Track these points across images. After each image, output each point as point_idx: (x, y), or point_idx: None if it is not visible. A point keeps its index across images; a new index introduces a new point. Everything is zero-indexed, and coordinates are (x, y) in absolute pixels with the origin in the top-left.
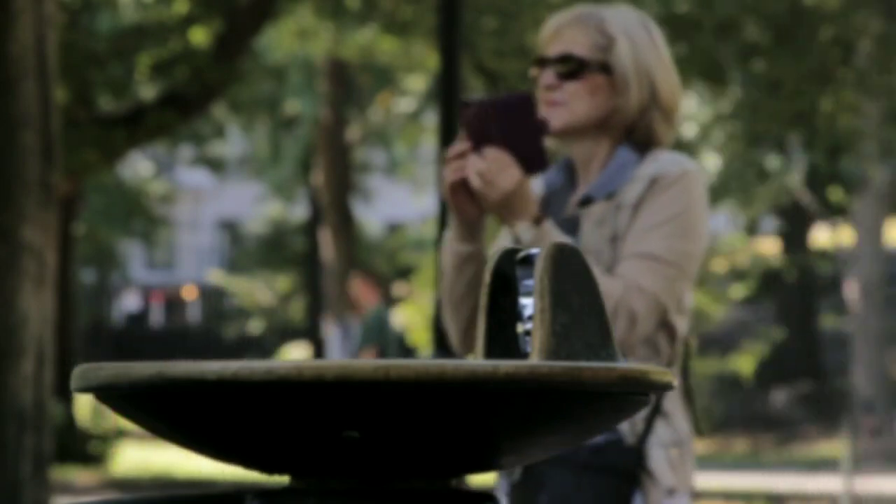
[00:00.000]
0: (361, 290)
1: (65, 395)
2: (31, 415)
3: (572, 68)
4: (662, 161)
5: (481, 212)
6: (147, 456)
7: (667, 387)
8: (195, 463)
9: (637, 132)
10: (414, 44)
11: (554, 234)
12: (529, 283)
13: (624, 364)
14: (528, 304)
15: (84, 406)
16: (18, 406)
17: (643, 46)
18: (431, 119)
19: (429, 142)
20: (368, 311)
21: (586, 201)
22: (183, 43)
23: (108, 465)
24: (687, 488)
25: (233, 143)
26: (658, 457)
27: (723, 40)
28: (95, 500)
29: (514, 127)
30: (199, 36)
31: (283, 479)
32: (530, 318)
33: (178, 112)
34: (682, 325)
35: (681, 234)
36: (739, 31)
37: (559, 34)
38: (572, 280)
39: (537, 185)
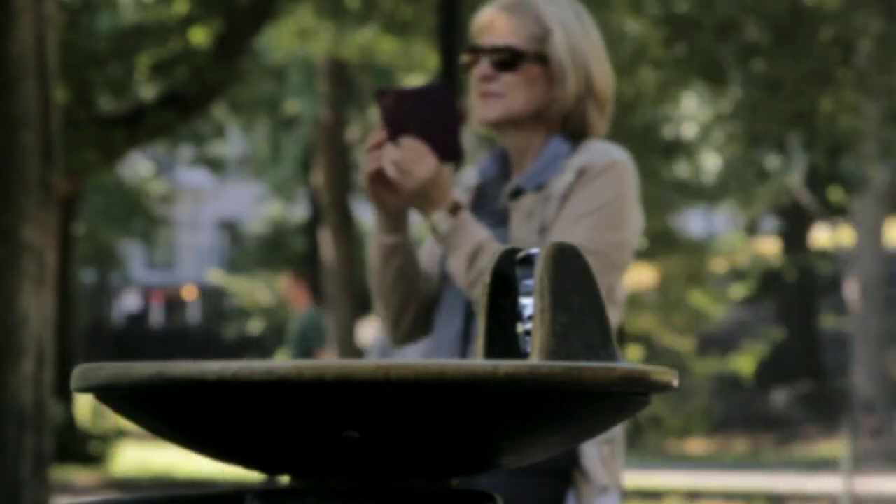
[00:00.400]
0: (293, 293)
1: (65, 395)
2: (31, 415)
3: (509, 59)
4: (592, 151)
5: (403, 202)
6: (147, 456)
7: (667, 387)
8: (195, 463)
9: (571, 122)
10: (414, 44)
11: (471, 225)
12: (529, 283)
13: (624, 364)
14: (528, 304)
15: (84, 406)
16: (18, 406)
17: (578, 37)
18: None
19: None
20: (302, 313)
21: (516, 193)
22: (183, 43)
23: (108, 465)
24: (617, 485)
25: (233, 143)
26: (591, 454)
27: (723, 40)
28: (95, 500)
29: (431, 116)
30: (199, 36)
31: (283, 479)
32: (530, 318)
33: (178, 112)
34: (614, 316)
35: (608, 224)
36: (739, 31)
37: (493, 24)
38: (572, 280)
39: (472, 175)
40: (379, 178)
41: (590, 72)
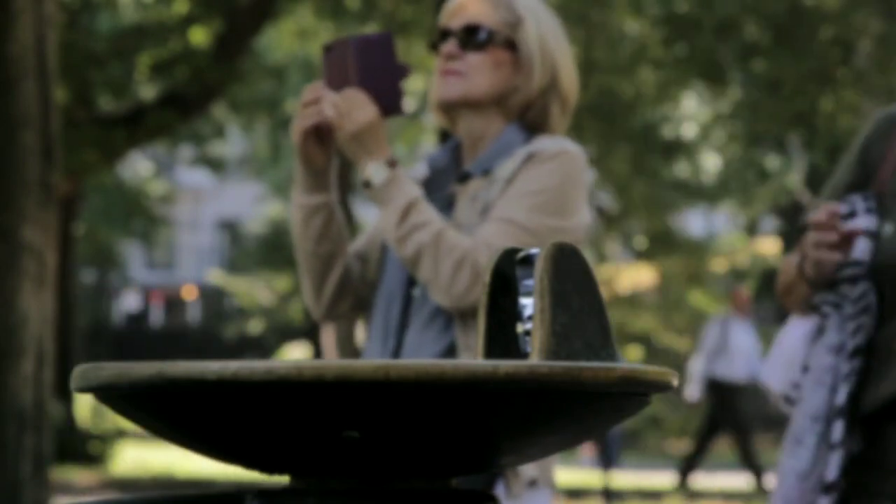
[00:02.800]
0: None
1: (65, 395)
2: (31, 415)
3: (478, 39)
4: (543, 140)
5: (328, 159)
6: (147, 456)
7: (667, 387)
8: (195, 463)
9: (531, 113)
10: (414, 44)
11: (405, 181)
12: (529, 283)
13: (624, 364)
14: (528, 304)
15: (84, 406)
16: (18, 406)
17: (549, 31)
18: (431, 119)
19: (429, 142)
20: None
21: (464, 178)
22: (183, 43)
23: (108, 465)
24: (548, 481)
25: (233, 143)
26: None
27: (723, 40)
28: (95, 500)
29: (373, 67)
30: (199, 36)
31: (283, 479)
32: (530, 318)
33: (178, 112)
34: None
35: (547, 208)
36: (739, 31)
37: (465, 7)
38: (572, 280)
39: (421, 168)
40: (311, 135)
41: (557, 68)
